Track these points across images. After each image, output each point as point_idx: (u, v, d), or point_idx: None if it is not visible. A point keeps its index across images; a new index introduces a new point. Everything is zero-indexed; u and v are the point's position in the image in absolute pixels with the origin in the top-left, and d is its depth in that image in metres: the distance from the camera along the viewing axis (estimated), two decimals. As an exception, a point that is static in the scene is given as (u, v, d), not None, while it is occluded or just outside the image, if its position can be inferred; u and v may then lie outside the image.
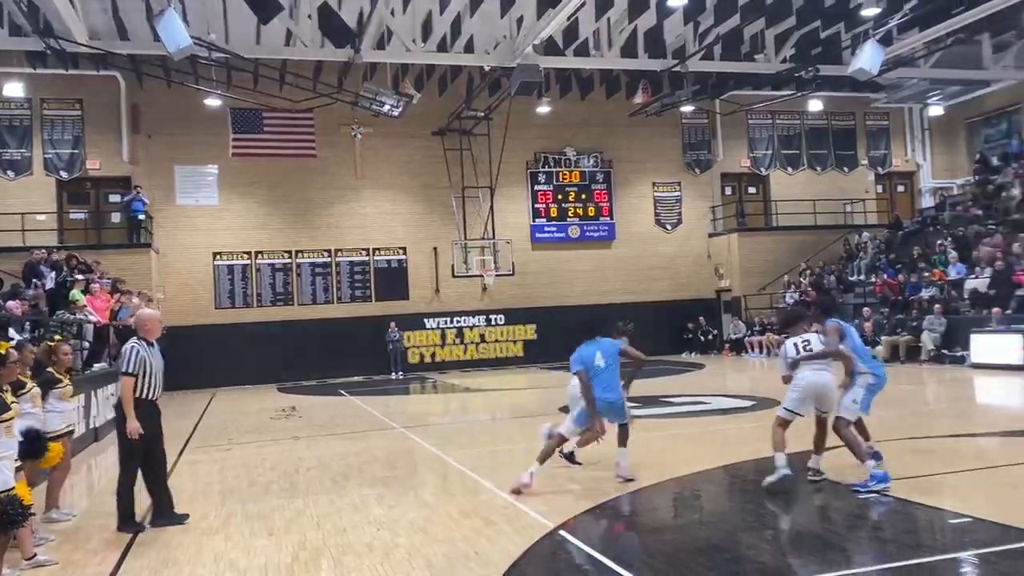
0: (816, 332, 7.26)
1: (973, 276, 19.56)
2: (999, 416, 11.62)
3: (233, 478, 8.94)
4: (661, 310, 26.11)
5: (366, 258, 24.90)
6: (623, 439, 7.78)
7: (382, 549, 5.72)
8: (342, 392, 19.41)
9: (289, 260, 24.33)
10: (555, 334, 25.09)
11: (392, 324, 24.00)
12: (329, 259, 24.65)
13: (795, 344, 7.21)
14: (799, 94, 25.12)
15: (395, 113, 20.73)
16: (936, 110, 28.57)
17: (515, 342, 25.70)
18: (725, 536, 5.88)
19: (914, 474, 7.17)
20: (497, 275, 25.21)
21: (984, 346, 17.05)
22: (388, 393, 19.11)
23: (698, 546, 5.66)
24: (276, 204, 24.22)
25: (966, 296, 19.27)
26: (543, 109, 23.97)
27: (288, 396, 19.29)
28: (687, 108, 25.50)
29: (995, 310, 17.34)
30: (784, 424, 7.08)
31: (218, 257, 23.71)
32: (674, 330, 26.33)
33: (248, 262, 23.99)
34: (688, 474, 7.88)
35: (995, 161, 26.47)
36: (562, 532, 5.96)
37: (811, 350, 7.07)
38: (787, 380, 7.25)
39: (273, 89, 21.82)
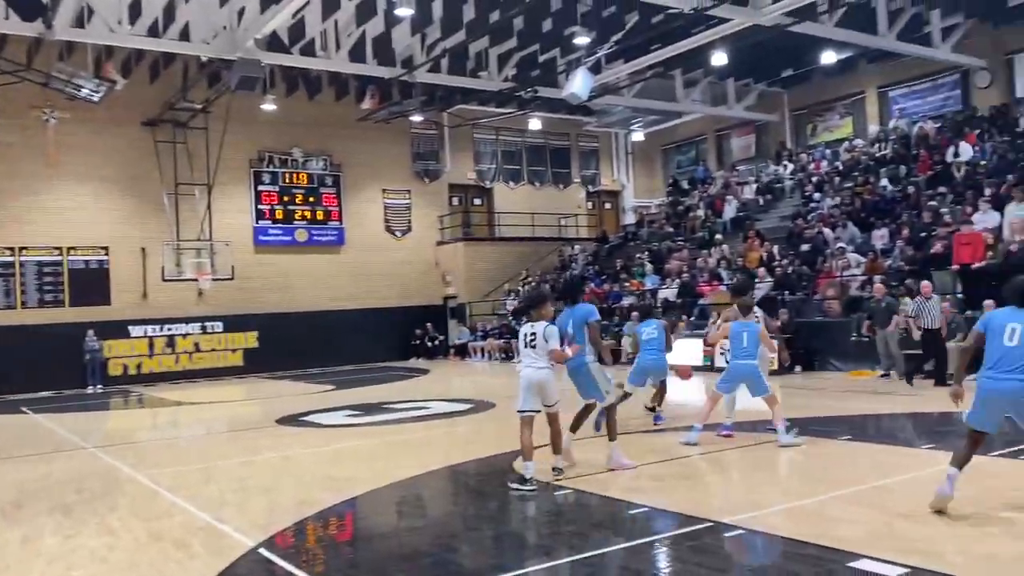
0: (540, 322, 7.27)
1: (665, 286, 21.76)
2: (683, 413, 12.93)
3: None
4: (390, 316, 26.18)
5: (59, 258, 22.27)
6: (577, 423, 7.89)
7: (50, 586, 5.07)
8: (24, 410, 17.16)
9: (-42, 258, 21.15)
10: (280, 342, 24.26)
11: (90, 332, 21.70)
12: (12, 258, 21.72)
13: (523, 335, 7.22)
14: (520, 112, 26.50)
15: (95, 99, 18.78)
16: (638, 136, 31.51)
17: (234, 351, 24.36)
18: (433, 541, 5.95)
19: (604, 468, 7.75)
20: (215, 279, 23.73)
21: (674, 349, 18.96)
22: (83, 409, 17.20)
23: (404, 553, 5.66)
24: (-60, 194, 20.96)
25: (659, 304, 21.36)
26: (268, 106, 23.03)
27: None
28: (416, 118, 25.80)
29: (684, 318, 19.40)
30: (526, 424, 7.12)
31: None
32: (403, 336, 26.52)
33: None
34: (404, 479, 7.89)
35: (685, 185, 29.79)
36: (263, 550, 5.67)
37: (535, 344, 7.13)
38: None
39: (-58, 60, 18.86)
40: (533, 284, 26.25)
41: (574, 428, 7.92)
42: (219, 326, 24.18)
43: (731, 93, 26.88)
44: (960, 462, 5.67)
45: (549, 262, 28.40)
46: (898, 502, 6.01)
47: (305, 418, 13.31)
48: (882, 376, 14.51)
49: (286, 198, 25.66)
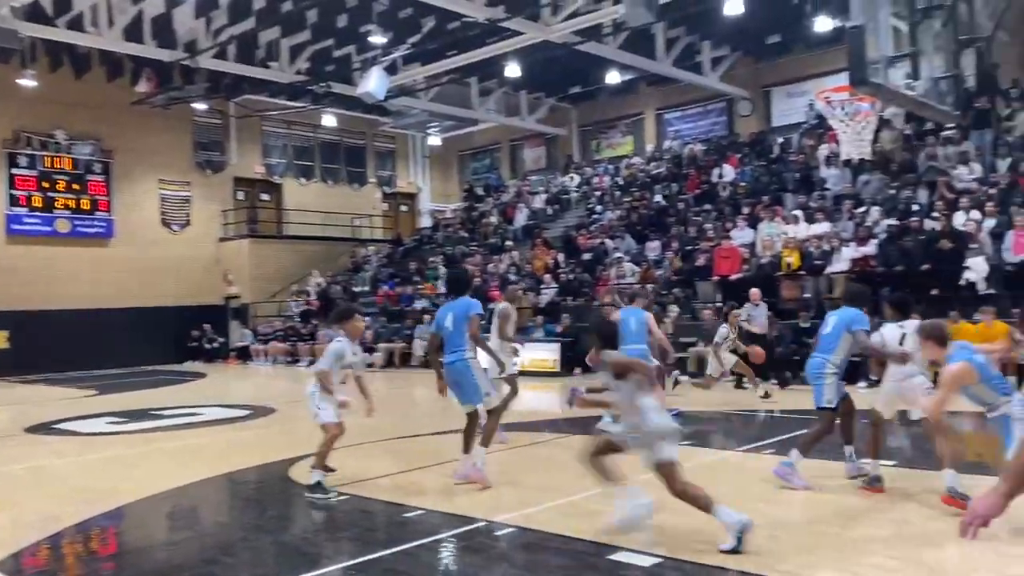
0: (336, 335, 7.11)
1: (457, 290, 22.04)
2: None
3: None
4: (165, 316, 24.49)
5: None
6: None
7: None
8: None
9: None
10: (35, 342, 21.95)
11: None
12: None
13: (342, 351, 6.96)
14: (313, 107, 25.80)
15: None
16: (435, 140, 31.70)
17: (-21, 352, 21.75)
18: (199, 553, 5.61)
19: (384, 473, 7.69)
20: (-45, 271, 21.07)
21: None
22: None
23: (159, 569, 5.29)
24: None
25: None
26: (27, 82, 20.76)
27: None
28: (200, 106, 24.41)
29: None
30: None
31: None
32: (178, 338, 24.90)
33: None
34: (171, 490, 7.39)
35: (480, 191, 30.37)
36: (-3, 574, 5.09)
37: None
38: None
39: None
40: (323, 286, 25.69)
41: (468, 449, 7.06)
42: (-40, 324, 21.51)
43: (524, 105, 27.74)
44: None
45: (341, 263, 27.85)
46: (654, 495, 6.43)
47: (59, 426, 12.12)
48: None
49: (46, 184, 23.32)
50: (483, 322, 7.57)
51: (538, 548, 5.29)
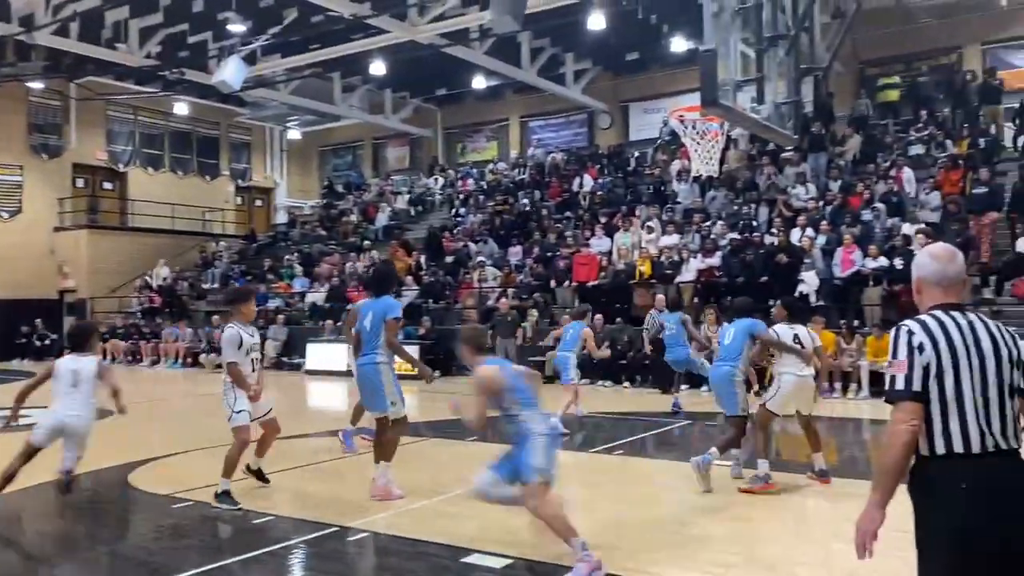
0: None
1: (313, 290, 21.52)
2: (325, 417, 12.85)
3: None
4: (-10, 308, 22.54)
5: None
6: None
7: None
8: None
9: None
10: None
11: None
12: None
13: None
14: (163, 94, 24.51)
15: None
16: (294, 134, 30.83)
17: None
18: (18, 568, 5.19)
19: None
20: None
21: (318, 354, 18.84)
22: None
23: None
24: None
25: (306, 308, 21.09)
26: None
27: None
28: (36, 84, 22.64)
29: (328, 322, 19.35)
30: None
31: None
32: (6, 334, 22.94)
33: None
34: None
35: (340, 188, 29.77)
36: None
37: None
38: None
39: None
40: (168, 281, 24.44)
41: (382, 458, 6.55)
42: None
43: (388, 104, 27.41)
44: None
45: (190, 258, 26.55)
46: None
47: None
48: None
49: None
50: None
51: (391, 552, 5.25)
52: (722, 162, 16.26)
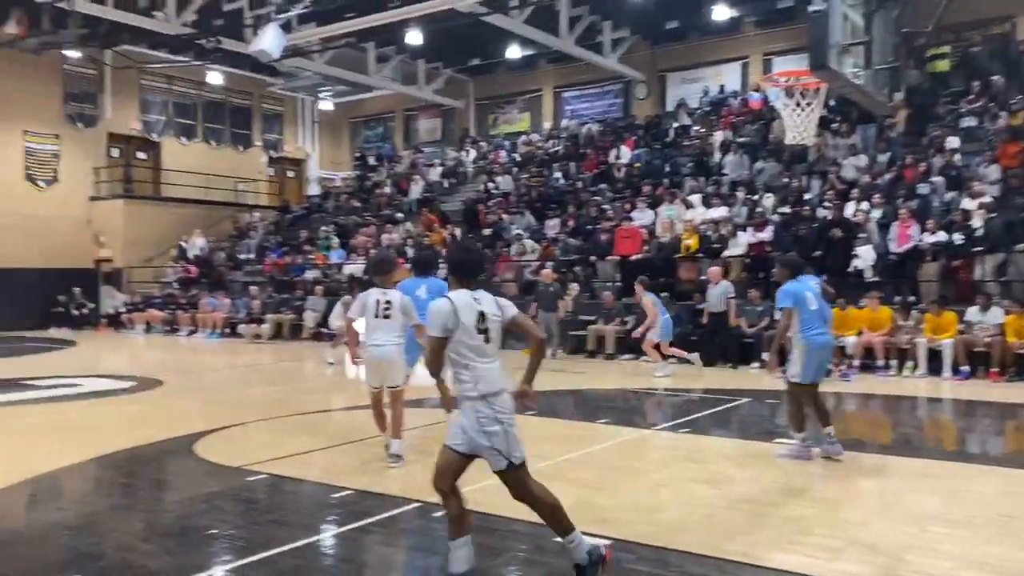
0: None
1: (350, 261, 21.43)
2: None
3: None
4: (28, 279, 22.66)
5: None
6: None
7: None
8: None
9: None
10: None
11: None
12: None
13: (376, 300, 6.51)
14: (198, 63, 24.33)
15: None
16: (326, 105, 30.64)
17: None
18: (100, 541, 5.11)
19: (297, 451, 7.32)
20: None
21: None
22: None
23: (64, 557, 4.81)
24: None
25: (344, 279, 20.99)
26: None
27: None
28: (72, 53, 22.52)
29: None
30: (376, 401, 6.74)
31: None
32: (44, 302, 23.11)
33: None
34: (53, 470, 6.75)
35: (372, 160, 29.59)
36: None
37: (389, 314, 6.48)
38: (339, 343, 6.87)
39: None
40: (205, 251, 24.45)
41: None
42: None
43: (421, 74, 27.13)
44: (825, 420, 6.79)
45: (223, 228, 26.54)
46: (585, 475, 6.40)
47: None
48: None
49: None
50: None
51: (483, 531, 5.08)
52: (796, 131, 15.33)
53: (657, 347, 12.56)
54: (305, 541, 4.90)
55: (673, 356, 12.78)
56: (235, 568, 4.49)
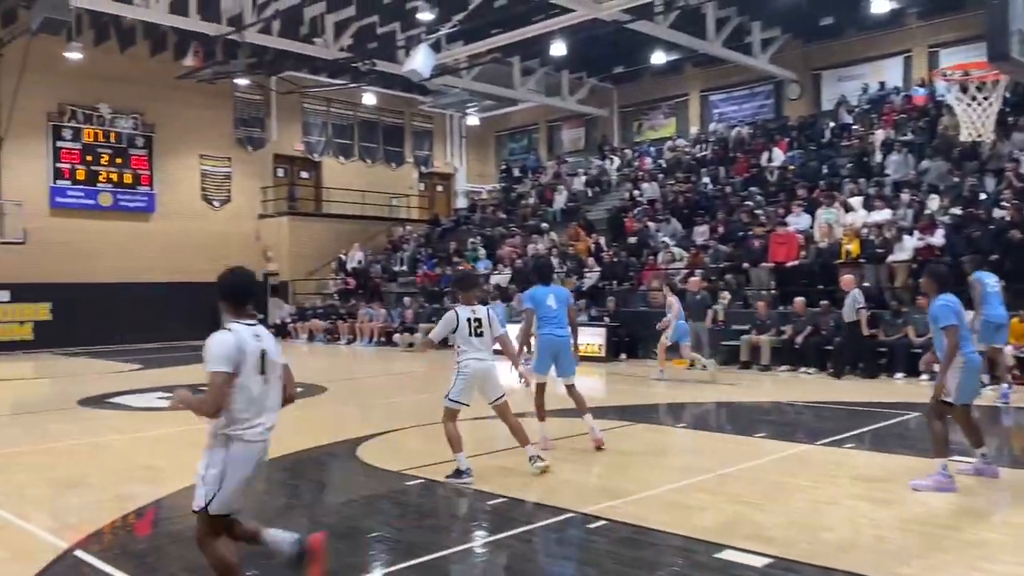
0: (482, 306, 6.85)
1: (497, 272, 21.83)
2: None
3: None
4: (202, 292, 24.28)
5: None
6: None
7: None
8: None
9: None
10: (77, 315, 22.09)
11: None
12: None
13: (467, 319, 6.60)
14: (354, 85, 25.59)
15: None
16: (472, 120, 31.40)
17: (23, 323, 21.90)
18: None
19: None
20: (2, 242, 21.14)
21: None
22: None
23: (247, 550, 5.14)
24: None
25: (492, 289, 21.39)
26: (73, 55, 20.66)
27: None
28: (242, 81, 24.26)
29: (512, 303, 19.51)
30: (452, 416, 6.58)
31: None
32: (215, 314, 24.65)
33: None
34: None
35: (516, 172, 30.06)
36: (79, 552, 4.97)
37: (482, 332, 6.60)
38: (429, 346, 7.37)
39: None
40: (363, 264, 25.59)
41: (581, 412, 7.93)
42: (5, 295, 21.62)
43: (565, 85, 27.33)
44: (978, 440, 6.44)
45: (379, 242, 27.72)
46: (743, 490, 6.20)
47: (112, 399, 12.10)
48: (690, 367, 14.27)
49: (89, 157, 23.32)
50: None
51: (639, 544, 5.05)
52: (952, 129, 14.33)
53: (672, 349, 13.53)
54: (463, 546, 5.03)
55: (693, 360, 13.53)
56: (396, 571, 4.66)
